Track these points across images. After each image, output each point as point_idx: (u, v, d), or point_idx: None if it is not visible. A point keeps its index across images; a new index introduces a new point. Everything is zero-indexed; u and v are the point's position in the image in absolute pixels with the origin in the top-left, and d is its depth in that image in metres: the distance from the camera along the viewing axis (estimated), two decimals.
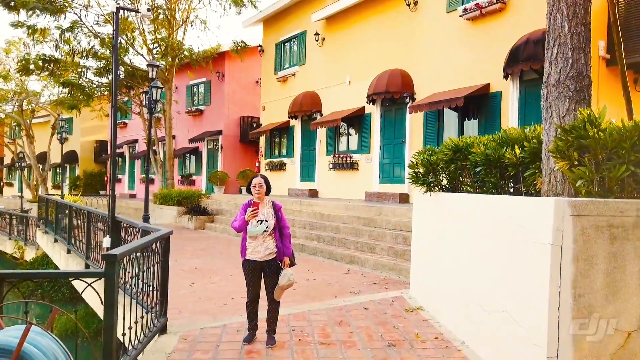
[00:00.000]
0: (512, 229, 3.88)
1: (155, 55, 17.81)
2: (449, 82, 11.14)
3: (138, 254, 4.71)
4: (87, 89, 18.96)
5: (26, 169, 29.54)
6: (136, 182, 25.84)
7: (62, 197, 14.77)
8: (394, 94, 11.99)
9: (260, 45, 18.20)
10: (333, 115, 13.95)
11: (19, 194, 27.41)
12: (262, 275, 4.56)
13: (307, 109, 14.99)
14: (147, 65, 5.96)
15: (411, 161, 6.13)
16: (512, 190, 4.86)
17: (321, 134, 15.14)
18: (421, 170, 5.95)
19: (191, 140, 20.76)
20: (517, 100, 9.90)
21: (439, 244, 5.54)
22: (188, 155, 22.39)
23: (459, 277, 4.92)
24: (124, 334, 3.78)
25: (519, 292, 3.74)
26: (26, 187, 27.11)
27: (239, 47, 18.31)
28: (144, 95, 10.26)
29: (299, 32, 16.24)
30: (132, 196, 25.37)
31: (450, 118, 11.39)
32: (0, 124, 28.44)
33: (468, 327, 4.64)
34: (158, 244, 4.54)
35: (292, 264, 4.64)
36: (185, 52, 17.82)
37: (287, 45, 17.05)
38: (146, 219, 6.80)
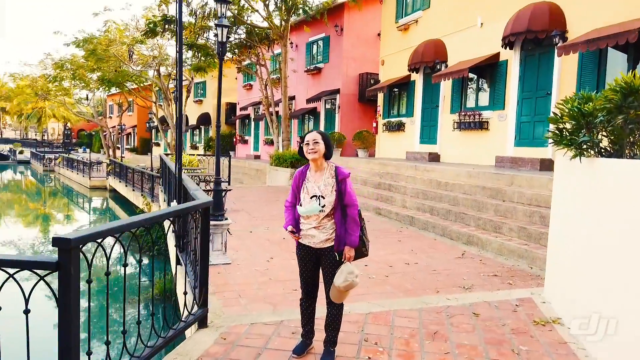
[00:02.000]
0: None
1: (272, 11, 17.11)
2: (615, 13, 8.40)
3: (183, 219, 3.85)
4: (210, 51, 19.14)
5: (168, 130, 32.01)
6: (260, 144, 26.22)
7: (180, 157, 15.14)
8: (537, 34, 9.52)
9: None
10: (459, 65, 11.82)
11: (165, 153, 29.81)
12: (321, 267, 3.34)
13: (429, 59, 13.01)
14: (215, 0, 5.02)
15: (553, 113, 4.26)
16: None
17: (445, 88, 13.10)
18: (568, 125, 4.08)
19: (308, 100, 20.01)
20: None
21: (595, 231, 3.72)
22: (306, 116, 21.78)
23: (633, 285, 3.13)
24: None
25: None
26: (167, 147, 29.33)
27: None
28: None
29: None
30: (257, 157, 25.85)
31: (617, 61, 8.65)
32: (145, 89, 31.00)
33: None
34: (189, 218, 3.54)
35: (360, 255, 3.31)
36: (301, 6, 16.75)
37: None
38: (218, 183, 5.97)
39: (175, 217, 3.28)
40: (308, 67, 21.08)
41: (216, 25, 5.21)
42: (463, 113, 12.21)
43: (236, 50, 20.17)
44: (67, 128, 57.10)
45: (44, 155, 41.54)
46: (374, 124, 16.70)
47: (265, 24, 17.76)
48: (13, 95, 46.99)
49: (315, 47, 21.01)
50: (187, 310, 3.67)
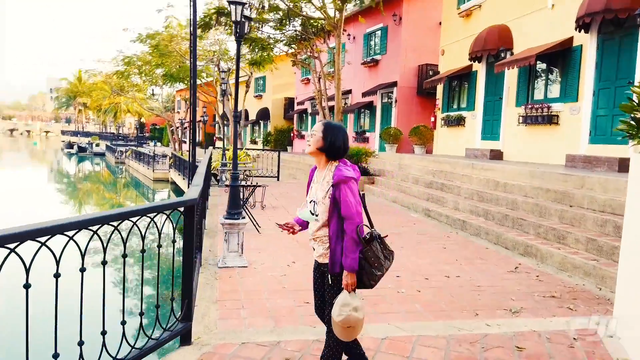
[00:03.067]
0: None
1: (326, 1, 16.48)
2: None
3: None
4: (265, 44, 18.86)
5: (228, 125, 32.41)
6: None
7: (194, 151, 15.03)
8: (618, 13, 8.20)
9: None
10: (526, 52, 10.60)
11: (226, 148, 30.22)
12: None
13: (492, 46, 11.83)
14: None
15: (628, 99, 3.35)
16: None
17: (510, 78, 11.87)
18: None
19: (364, 94, 19.23)
20: None
21: None
22: (362, 110, 21.01)
23: None
24: None
25: None
26: (227, 141, 29.72)
27: None
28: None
29: None
30: None
31: None
32: (208, 84, 31.56)
33: None
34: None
35: (363, 286, 2.56)
36: None
37: None
38: (235, 177, 5.49)
39: (128, 218, 2.71)
40: (365, 60, 20.29)
41: (229, 2, 4.68)
42: (530, 106, 10.97)
43: (293, 46, 19.76)
44: (139, 122, 60.04)
45: (116, 148, 43.84)
46: (432, 119, 15.66)
47: (318, 14, 17.18)
48: (90, 92, 49.99)
49: (373, 38, 20.16)
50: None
